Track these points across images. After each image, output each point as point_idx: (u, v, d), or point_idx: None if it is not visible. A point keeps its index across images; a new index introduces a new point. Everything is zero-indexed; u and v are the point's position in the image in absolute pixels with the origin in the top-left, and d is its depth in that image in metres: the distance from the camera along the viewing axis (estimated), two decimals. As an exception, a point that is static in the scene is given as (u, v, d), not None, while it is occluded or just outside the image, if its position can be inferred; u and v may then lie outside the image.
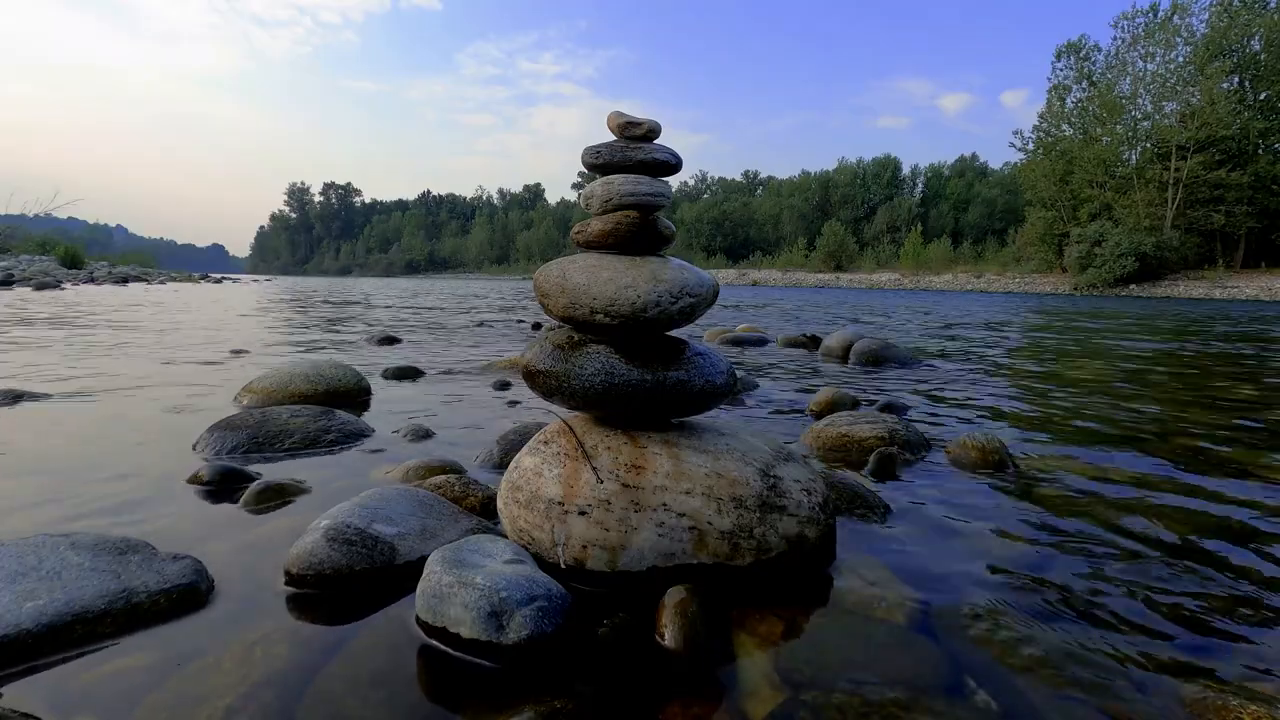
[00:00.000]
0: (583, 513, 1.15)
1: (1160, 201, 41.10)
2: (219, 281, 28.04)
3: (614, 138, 1.30)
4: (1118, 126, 44.76)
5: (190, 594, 1.06)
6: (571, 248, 1.41)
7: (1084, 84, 48.23)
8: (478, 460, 1.90)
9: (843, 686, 0.88)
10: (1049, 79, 50.09)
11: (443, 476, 1.58)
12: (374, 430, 2.22)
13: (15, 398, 2.55)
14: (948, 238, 61.69)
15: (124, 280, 19.86)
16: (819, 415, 2.57)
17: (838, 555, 1.29)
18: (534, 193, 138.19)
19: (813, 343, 5.68)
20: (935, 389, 3.42)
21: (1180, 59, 41.72)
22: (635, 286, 1.20)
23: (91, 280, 18.30)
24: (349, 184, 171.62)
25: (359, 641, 0.97)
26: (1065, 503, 1.65)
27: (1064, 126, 48.86)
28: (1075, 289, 38.86)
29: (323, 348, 4.86)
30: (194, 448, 1.94)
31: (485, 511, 1.46)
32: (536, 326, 7.37)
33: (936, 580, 1.20)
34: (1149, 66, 43.61)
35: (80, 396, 2.69)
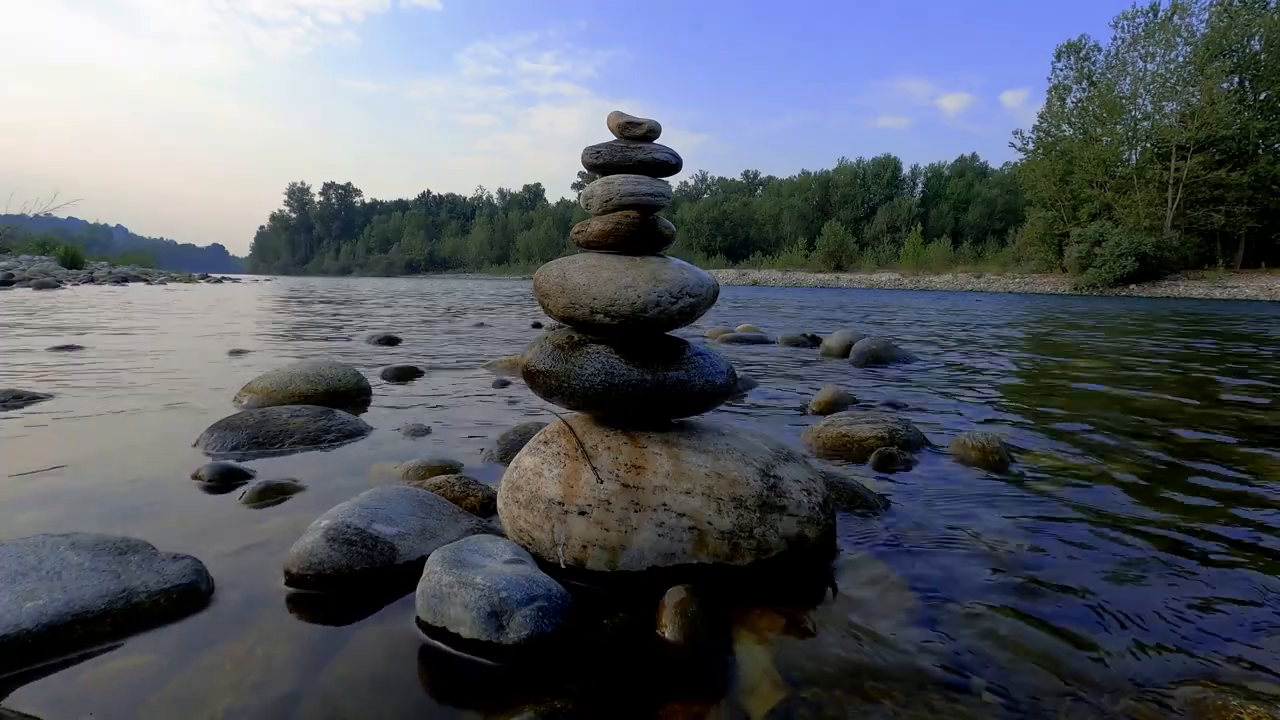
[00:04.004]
0: (583, 513, 1.15)
1: (1160, 201, 41.06)
2: (219, 281, 28.03)
3: (614, 138, 1.30)
4: (1118, 126, 44.71)
5: (190, 594, 1.06)
6: (571, 248, 1.41)
7: (1084, 84, 48.17)
8: (478, 460, 1.90)
9: (843, 684, 0.88)
10: (1049, 79, 50.06)
11: (443, 476, 1.58)
12: (374, 430, 2.22)
13: (16, 398, 2.55)
14: (948, 238, 61.60)
15: (124, 280, 19.86)
16: (819, 415, 2.58)
17: (838, 555, 1.29)
18: (534, 193, 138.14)
19: (813, 342, 5.68)
20: (935, 388, 3.42)
21: (1180, 59, 41.67)
22: (635, 286, 1.20)
23: (91, 280, 18.30)
24: (349, 184, 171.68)
25: (359, 641, 0.97)
26: (1065, 501, 1.65)
27: (1064, 126, 48.80)
28: (1075, 289, 38.84)
29: (323, 348, 4.86)
30: (194, 447, 1.94)
31: (485, 511, 1.46)
32: (536, 326, 7.37)
33: (937, 579, 1.20)
34: (1149, 66, 43.58)
35: (80, 396, 2.69)
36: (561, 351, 1.25)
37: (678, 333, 1.40)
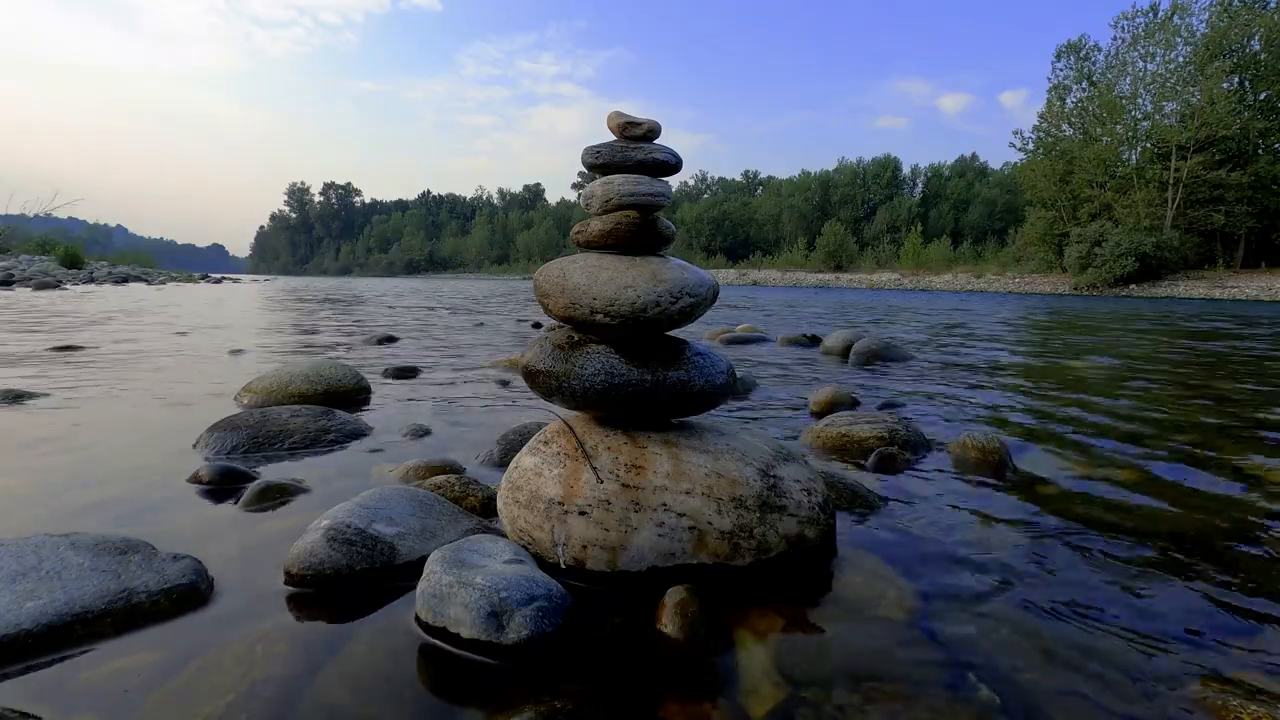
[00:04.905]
0: (583, 513, 1.15)
1: (1160, 201, 41.01)
2: (219, 281, 28.05)
3: (614, 138, 1.30)
4: (1118, 126, 44.63)
5: (190, 594, 1.06)
6: (571, 248, 1.41)
7: (1084, 84, 48.11)
8: (478, 460, 1.90)
9: (843, 684, 0.88)
10: (1049, 79, 49.93)
11: (443, 476, 1.58)
12: (374, 430, 2.22)
13: (15, 397, 2.55)
14: (948, 238, 61.48)
15: (124, 280, 19.87)
16: (819, 415, 2.58)
17: (838, 554, 1.29)
18: (534, 193, 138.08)
19: (813, 342, 5.68)
20: (935, 388, 3.42)
21: (1180, 59, 41.60)
22: (635, 286, 1.20)
23: (91, 280, 18.31)
24: (349, 184, 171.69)
25: (359, 641, 0.97)
26: (1065, 501, 1.65)
27: (1064, 126, 48.73)
28: (1075, 289, 38.79)
29: (323, 347, 4.86)
30: (194, 447, 1.94)
31: (485, 511, 1.46)
32: (536, 326, 7.38)
33: (937, 579, 1.20)
34: (1149, 66, 43.52)
35: (80, 396, 2.69)
36: (561, 351, 1.25)
37: (678, 332, 1.40)
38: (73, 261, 22.37)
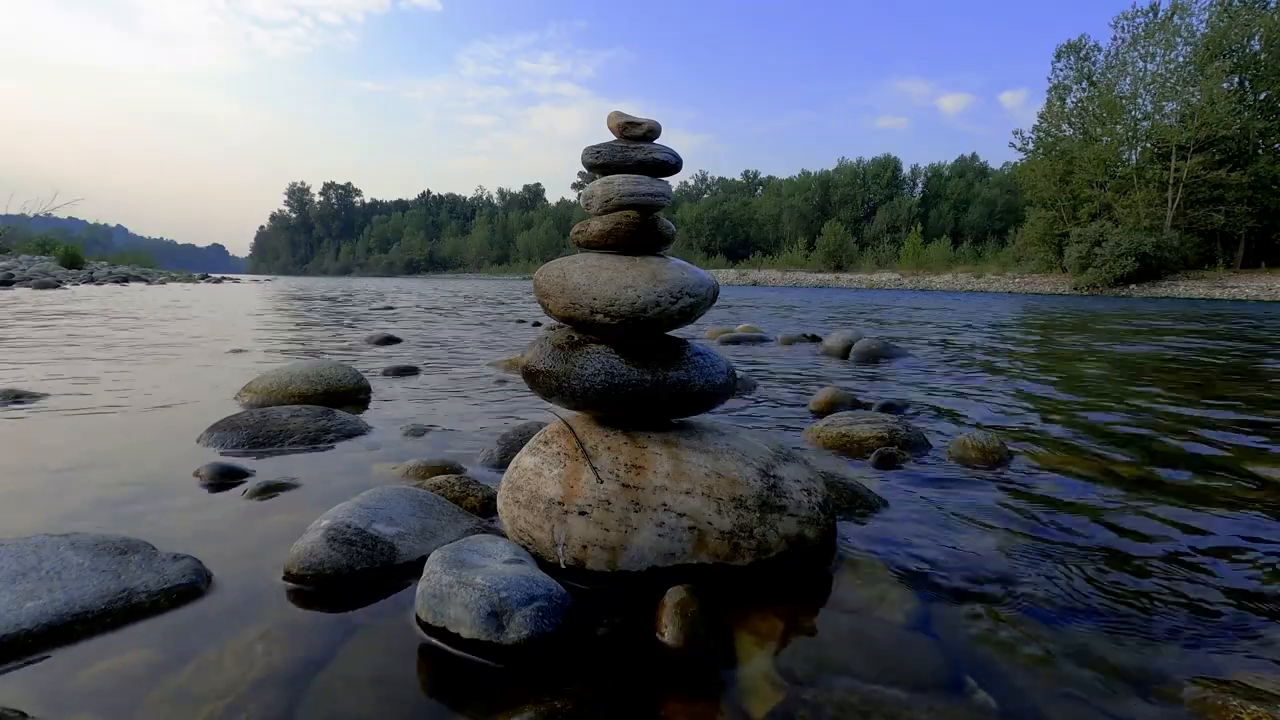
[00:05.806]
0: (583, 513, 1.15)
1: (1160, 201, 40.98)
2: (219, 282, 28.05)
3: (614, 138, 1.30)
4: (1118, 126, 44.63)
5: (190, 594, 1.06)
6: (571, 248, 1.41)
7: (1084, 84, 48.09)
8: (478, 460, 1.90)
9: (843, 685, 0.88)
10: (1049, 79, 49.88)
11: (443, 476, 1.58)
12: (373, 430, 2.22)
13: (15, 398, 2.55)
14: (948, 238, 61.41)
15: (124, 280, 19.88)
16: (819, 415, 2.58)
17: (838, 555, 1.29)
18: (534, 193, 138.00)
19: (813, 342, 5.68)
20: (935, 388, 3.42)
21: (1180, 59, 41.59)
22: (635, 286, 1.20)
23: (91, 280, 18.31)
24: (349, 184, 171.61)
25: (359, 641, 0.97)
26: (1065, 502, 1.65)
27: (1064, 126, 48.70)
28: (1075, 289, 38.76)
29: (323, 347, 4.86)
30: (195, 445, 1.94)
31: (485, 511, 1.46)
32: (536, 326, 7.38)
33: (936, 580, 1.20)
34: (1149, 66, 43.49)
35: (80, 396, 2.69)
36: (561, 351, 1.25)
37: (678, 332, 1.40)
38: (73, 261, 22.36)
